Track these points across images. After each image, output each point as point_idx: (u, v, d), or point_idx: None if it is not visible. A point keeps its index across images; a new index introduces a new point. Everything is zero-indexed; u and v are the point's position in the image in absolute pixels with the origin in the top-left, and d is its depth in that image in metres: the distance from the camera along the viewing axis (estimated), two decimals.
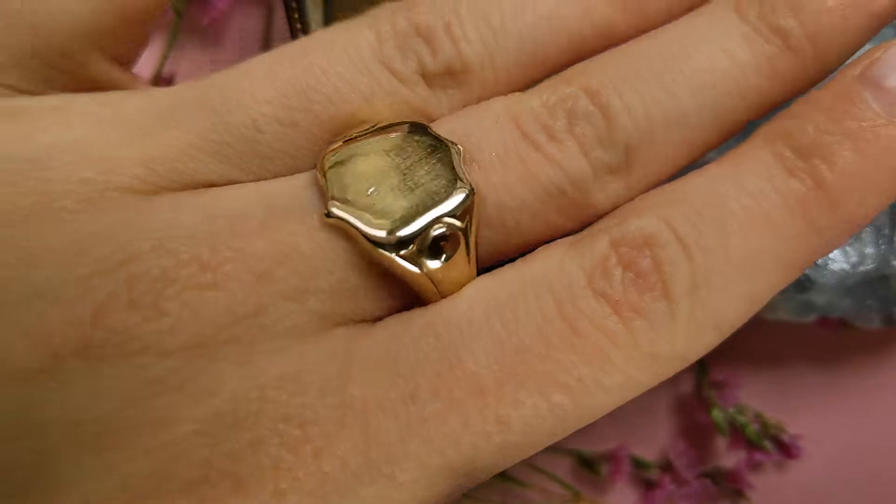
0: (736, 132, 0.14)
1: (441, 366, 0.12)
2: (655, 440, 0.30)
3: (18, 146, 0.12)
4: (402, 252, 0.12)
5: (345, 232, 0.13)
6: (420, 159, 0.13)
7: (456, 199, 0.12)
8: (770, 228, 0.13)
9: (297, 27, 0.24)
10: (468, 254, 0.13)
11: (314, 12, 0.25)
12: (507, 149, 0.13)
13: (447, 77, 0.14)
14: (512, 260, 0.14)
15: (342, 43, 0.14)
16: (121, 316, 0.11)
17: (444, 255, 0.13)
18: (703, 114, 0.14)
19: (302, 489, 0.11)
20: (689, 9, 0.15)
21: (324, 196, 0.13)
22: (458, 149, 0.13)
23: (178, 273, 0.12)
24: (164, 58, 0.32)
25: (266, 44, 0.33)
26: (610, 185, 0.13)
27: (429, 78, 0.14)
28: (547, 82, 0.14)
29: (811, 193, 0.13)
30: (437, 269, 0.12)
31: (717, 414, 0.29)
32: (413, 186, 0.13)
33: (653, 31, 0.14)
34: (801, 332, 0.30)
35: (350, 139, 0.13)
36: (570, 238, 0.14)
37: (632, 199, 0.14)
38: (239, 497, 0.11)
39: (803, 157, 0.13)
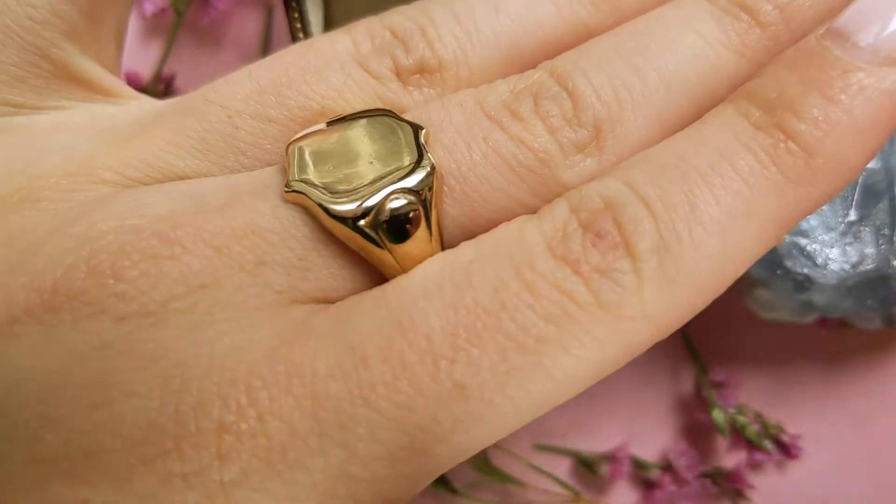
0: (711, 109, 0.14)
1: (392, 332, 0.12)
2: (655, 440, 0.30)
3: (15, 151, 0.14)
4: (361, 224, 0.12)
5: (306, 208, 0.13)
6: (382, 139, 0.13)
7: (417, 175, 0.13)
8: (740, 182, 0.12)
9: (297, 27, 0.24)
10: (429, 229, 0.13)
11: (314, 13, 0.25)
12: (471, 128, 0.13)
13: (422, 75, 0.14)
14: None
15: (319, 47, 0.14)
16: (78, 283, 0.12)
17: (407, 236, 0.13)
18: (673, 91, 0.14)
19: (246, 453, 0.11)
20: (662, 3, 0.15)
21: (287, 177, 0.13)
22: (422, 130, 0.13)
23: (137, 245, 0.12)
24: (165, 58, 0.32)
25: (266, 44, 0.33)
26: (581, 164, 0.13)
27: (404, 76, 0.14)
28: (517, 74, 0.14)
29: (782, 145, 0.13)
30: (397, 246, 0.12)
31: (717, 414, 0.29)
32: (374, 165, 0.13)
33: (623, 24, 0.15)
34: (801, 332, 0.30)
35: (322, 126, 0.14)
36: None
37: None
38: (182, 459, 0.11)
39: (770, 112, 0.13)
